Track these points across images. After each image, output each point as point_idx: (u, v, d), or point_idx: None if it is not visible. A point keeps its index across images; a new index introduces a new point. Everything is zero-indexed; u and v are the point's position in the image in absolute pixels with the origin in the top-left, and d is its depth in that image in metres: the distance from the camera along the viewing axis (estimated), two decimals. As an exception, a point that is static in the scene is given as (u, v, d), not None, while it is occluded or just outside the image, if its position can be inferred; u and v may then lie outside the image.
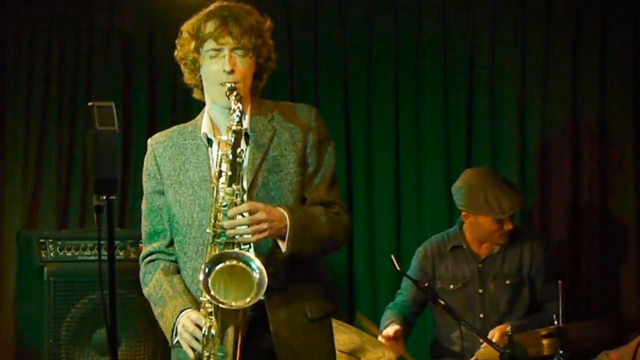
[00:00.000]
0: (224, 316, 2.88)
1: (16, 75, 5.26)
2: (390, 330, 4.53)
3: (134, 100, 5.43)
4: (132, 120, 5.40)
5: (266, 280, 2.85)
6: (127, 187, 5.24)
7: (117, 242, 4.61)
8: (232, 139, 2.91)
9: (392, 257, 4.38)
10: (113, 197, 2.60)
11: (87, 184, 5.22)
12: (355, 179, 5.51)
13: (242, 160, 2.94)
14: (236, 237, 2.92)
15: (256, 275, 2.87)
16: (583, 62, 5.20)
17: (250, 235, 2.92)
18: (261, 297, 2.89)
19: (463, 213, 4.75)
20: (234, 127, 2.92)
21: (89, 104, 2.60)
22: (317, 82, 5.54)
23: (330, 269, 5.32)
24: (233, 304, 2.85)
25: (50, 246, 4.70)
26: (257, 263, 2.88)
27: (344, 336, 4.07)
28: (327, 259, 5.17)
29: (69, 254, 4.72)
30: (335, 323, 3.95)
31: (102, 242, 2.62)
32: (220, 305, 2.85)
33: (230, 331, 2.87)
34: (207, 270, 2.87)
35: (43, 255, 4.68)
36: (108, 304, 2.62)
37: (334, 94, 5.54)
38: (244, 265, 2.88)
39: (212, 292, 2.85)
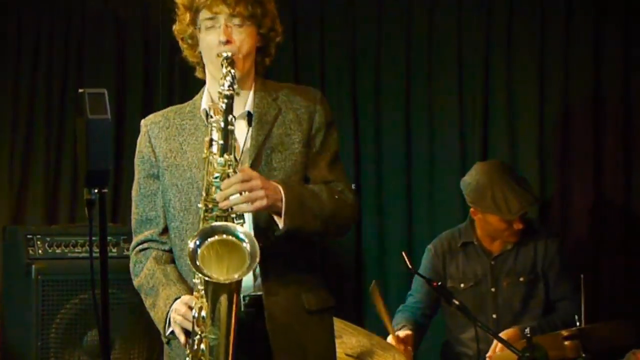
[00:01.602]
0: (214, 296, 2.76)
1: (3, 61, 5.18)
2: (402, 332, 4.45)
3: (127, 87, 5.37)
4: (125, 109, 5.33)
5: (258, 249, 2.73)
6: (120, 180, 5.17)
7: (109, 238, 4.45)
8: (224, 105, 2.83)
9: (404, 254, 4.30)
10: (105, 190, 2.56)
11: (78, 176, 5.16)
12: (365, 172, 5.45)
13: (234, 128, 2.84)
14: (230, 209, 2.80)
15: (246, 245, 2.75)
16: (605, 51, 5.13)
17: (246, 205, 2.79)
18: (251, 274, 2.80)
19: (471, 209, 4.66)
20: (225, 92, 2.84)
21: (80, 90, 2.55)
22: (323, 71, 5.49)
23: (338, 266, 5.32)
24: (221, 278, 2.73)
25: (39, 242, 4.63)
26: (242, 230, 2.76)
27: (352, 339, 3.99)
28: (334, 257, 5.20)
29: (58, 250, 4.66)
30: (343, 325, 3.93)
31: (93, 238, 2.58)
32: (209, 280, 2.73)
33: (223, 312, 2.75)
34: (197, 243, 2.75)
35: (30, 252, 4.62)
36: (100, 304, 2.57)
37: (341, 84, 5.48)
38: (234, 239, 2.77)
39: (198, 263, 2.73)
